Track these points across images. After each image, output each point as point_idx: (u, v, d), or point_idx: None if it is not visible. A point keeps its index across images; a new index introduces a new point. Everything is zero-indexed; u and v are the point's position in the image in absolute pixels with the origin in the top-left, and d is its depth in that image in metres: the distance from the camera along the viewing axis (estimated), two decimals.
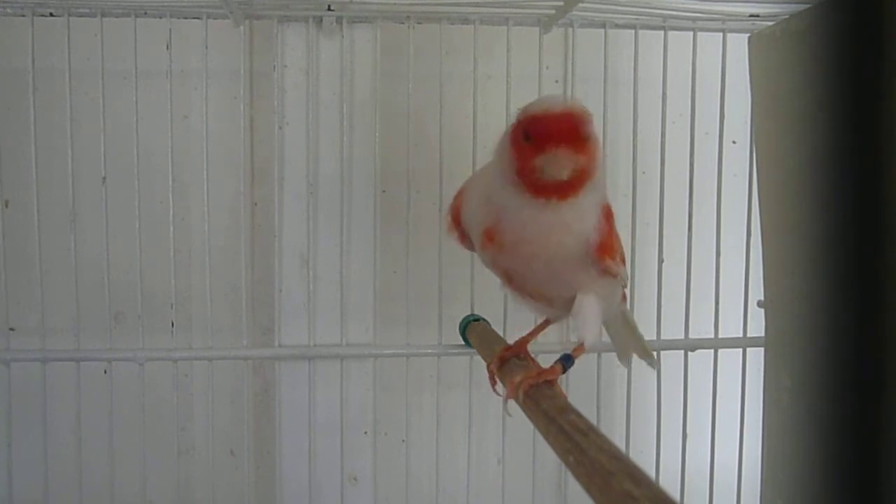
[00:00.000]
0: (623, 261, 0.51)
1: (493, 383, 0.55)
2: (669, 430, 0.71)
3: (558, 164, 0.42)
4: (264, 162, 0.77)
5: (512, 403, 0.48)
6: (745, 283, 0.71)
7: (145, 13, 0.66)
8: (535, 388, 0.46)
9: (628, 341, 0.63)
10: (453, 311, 0.69)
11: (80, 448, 0.68)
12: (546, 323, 0.56)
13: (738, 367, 0.72)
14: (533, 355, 0.55)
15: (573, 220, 0.45)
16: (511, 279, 0.50)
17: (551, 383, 0.47)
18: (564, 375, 0.72)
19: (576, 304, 0.49)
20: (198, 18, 0.67)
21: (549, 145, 0.42)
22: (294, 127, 0.70)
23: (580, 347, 0.49)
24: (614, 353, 0.73)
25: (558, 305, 0.51)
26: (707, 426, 0.72)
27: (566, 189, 0.43)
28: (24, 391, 0.68)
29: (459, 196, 0.52)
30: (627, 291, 0.63)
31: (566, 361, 0.49)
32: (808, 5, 0.47)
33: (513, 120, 0.45)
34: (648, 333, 0.72)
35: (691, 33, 0.70)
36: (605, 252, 0.46)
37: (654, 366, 0.64)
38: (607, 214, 0.48)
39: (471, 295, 0.69)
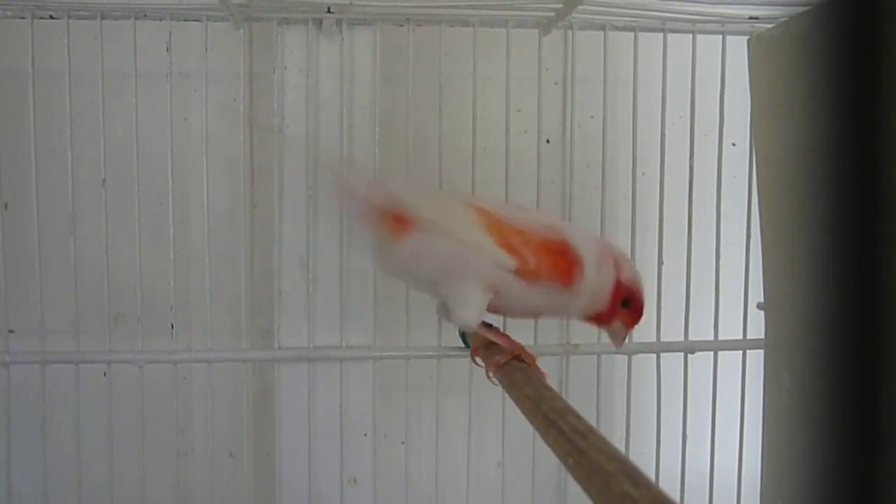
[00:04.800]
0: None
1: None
2: (669, 431, 0.71)
3: (624, 336, 0.58)
4: (264, 164, 0.77)
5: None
6: (744, 285, 0.71)
7: (145, 15, 0.66)
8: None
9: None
10: None
11: (79, 450, 0.68)
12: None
13: (738, 370, 0.72)
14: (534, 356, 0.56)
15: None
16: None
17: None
18: (565, 377, 0.73)
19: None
20: (197, 21, 0.67)
21: (632, 323, 0.58)
22: (294, 129, 0.70)
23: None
24: (614, 355, 0.73)
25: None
26: (707, 428, 0.72)
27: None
28: (24, 393, 0.68)
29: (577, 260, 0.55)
30: None
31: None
32: (807, 7, 0.47)
33: None
34: (648, 335, 0.72)
35: (690, 35, 0.70)
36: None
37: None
38: None
39: None
